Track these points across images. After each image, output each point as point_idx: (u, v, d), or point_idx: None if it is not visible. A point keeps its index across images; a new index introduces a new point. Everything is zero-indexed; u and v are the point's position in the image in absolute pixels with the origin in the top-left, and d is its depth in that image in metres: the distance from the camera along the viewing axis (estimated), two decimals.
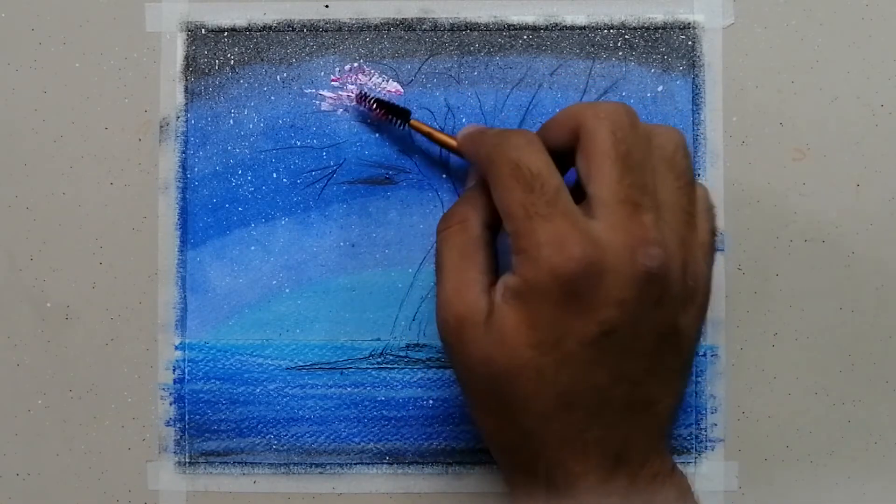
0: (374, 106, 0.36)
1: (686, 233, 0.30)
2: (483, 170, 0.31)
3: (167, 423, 0.38)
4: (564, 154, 0.31)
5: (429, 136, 0.36)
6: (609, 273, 0.28)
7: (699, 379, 0.38)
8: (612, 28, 0.38)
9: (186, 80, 0.38)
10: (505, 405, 0.30)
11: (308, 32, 0.38)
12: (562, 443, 0.30)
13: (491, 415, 0.31)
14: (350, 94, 0.38)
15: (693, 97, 0.38)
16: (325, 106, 0.38)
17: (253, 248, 0.38)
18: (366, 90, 0.37)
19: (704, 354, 0.38)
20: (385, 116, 0.37)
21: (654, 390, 0.30)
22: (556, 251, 0.28)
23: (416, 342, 0.38)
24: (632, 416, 0.30)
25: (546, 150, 0.30)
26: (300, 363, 0.38)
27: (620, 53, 0.38)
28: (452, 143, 0.35)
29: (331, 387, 0.38)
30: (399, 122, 0.37)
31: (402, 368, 0.38)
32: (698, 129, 0.38)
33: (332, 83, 0.38)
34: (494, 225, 0.32)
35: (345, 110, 0.38)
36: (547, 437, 0.30)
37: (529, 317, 0.29)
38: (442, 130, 0.36)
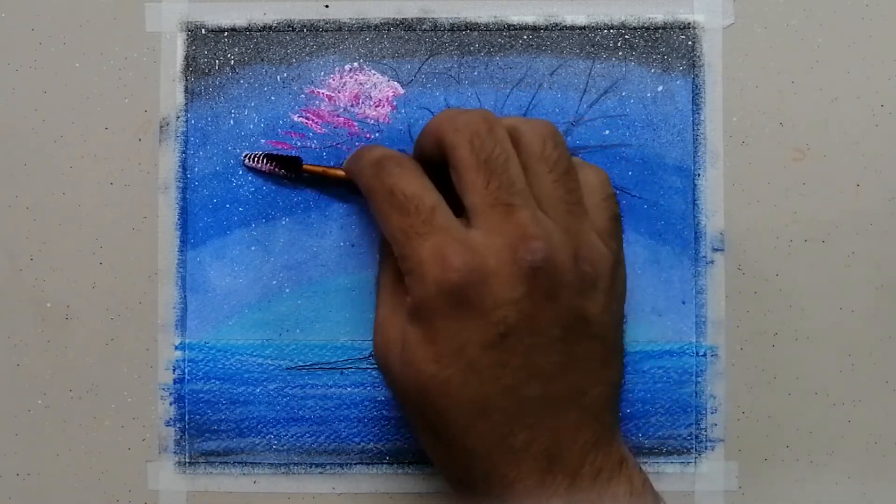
0: (265, 161, 0.37)
1: (571, 222, 0.30)
2: (367, 200, 0.32)
3: (167, 423, 0.38)
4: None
5: (323, 174, 0.36)
6: (493, 276, 0.29)
7: (699, 379, 0.38)
8: (612, 28, 0.38)
9: (186, 80, 0.38)
10: (428, 423, 0.31)
11: (308, 32, 0.38)
12: (488, 450, 0.30)
13: (423, 434, 0.32)
14: (348, 93, 0.38)
15: (693, 97, 0.38)
16: (324, 106, 0.38)
17: (253, 248, 0.38)
18: (252, 150, 0.37)
19: (704, 354, 0.38)
20: (277, 169, 0.37)
21: (574, 383, 0.30)
22: (438, 265, 0.29)
23: None
24: (556, 412, 0.30)
25: (421, 169, 0.31)
26: (300, 363, 0.38)
27: (620, 53, 0.38)
28: (342, 174, 0.35)
29: (331, 387, 0.38)
30: (292, 173, 0.37)
31: None
32: (698, 129, 0.38)
33: (332, 83, 0.38)
34: None
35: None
36: (472, 447, 0.30)
37: (427, 333, 0.30)
38: (333, 166, 0.36)
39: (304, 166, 0.37)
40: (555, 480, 0.29)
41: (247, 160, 0.37)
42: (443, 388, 0.29)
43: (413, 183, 0.30)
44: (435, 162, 0.32)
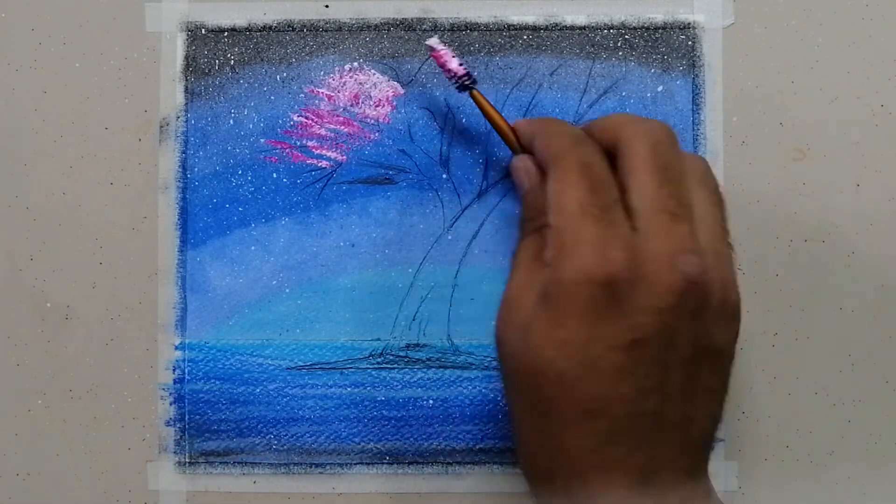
0: (451, 55, 0.35)
1: (720, 246, 0.30)
2: (547, 161, 0.31)
3: (167, 423, 0.38)
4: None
5: (485, 112, 0.35)
6: (646, 280, 0.28)
7: None
8: (612, 28, 0.38)
9: (186, 80, 0.38)
10: (530, 406, 0.30)
11: (308, 32, 0.38)
12: (581, 453, 0.28)
13: (520, 416, 0.30)
14: (348, 93, 0.38)
15: (693, 97, 0.38)
16: (324, 106, 0.38)
17: (253, 248, 0.38)
18: (441, 48, 0.35)
19: None
20: (451, 75, 0.35)
21: (689, 409, 0.29)
22: (596, 252, 0.28)
23: (415, 342, 0.38)
24: (662, 434, 0.28)
25: None
26: (300, 363, 0.38)
27: (620, 53, 0.38)
28: (505, 126, 0.34)
29: (331, 387, 0.38)
30: (462, 87, 0.35)
31: (402, 368, 0.38)
32: (698, 129, 0.38)
33: (332, 82, 0.38)
34: None
35: (351, 105, 0.38)
36: (566, 444, 0.28)
37: (557, 316, 0.28)
38: (499, 111, 0.35)
39: (474, 92, 0.35)
40: (639, 500, 0.28)
41: (432, 41, 0.35)
42: (557, 378, 0.28)
43: (606, 171, 0.30)
44: None
